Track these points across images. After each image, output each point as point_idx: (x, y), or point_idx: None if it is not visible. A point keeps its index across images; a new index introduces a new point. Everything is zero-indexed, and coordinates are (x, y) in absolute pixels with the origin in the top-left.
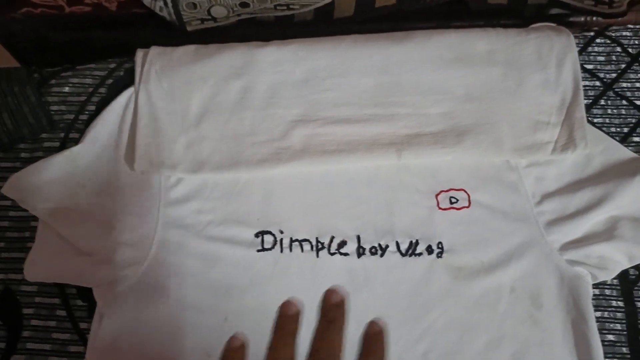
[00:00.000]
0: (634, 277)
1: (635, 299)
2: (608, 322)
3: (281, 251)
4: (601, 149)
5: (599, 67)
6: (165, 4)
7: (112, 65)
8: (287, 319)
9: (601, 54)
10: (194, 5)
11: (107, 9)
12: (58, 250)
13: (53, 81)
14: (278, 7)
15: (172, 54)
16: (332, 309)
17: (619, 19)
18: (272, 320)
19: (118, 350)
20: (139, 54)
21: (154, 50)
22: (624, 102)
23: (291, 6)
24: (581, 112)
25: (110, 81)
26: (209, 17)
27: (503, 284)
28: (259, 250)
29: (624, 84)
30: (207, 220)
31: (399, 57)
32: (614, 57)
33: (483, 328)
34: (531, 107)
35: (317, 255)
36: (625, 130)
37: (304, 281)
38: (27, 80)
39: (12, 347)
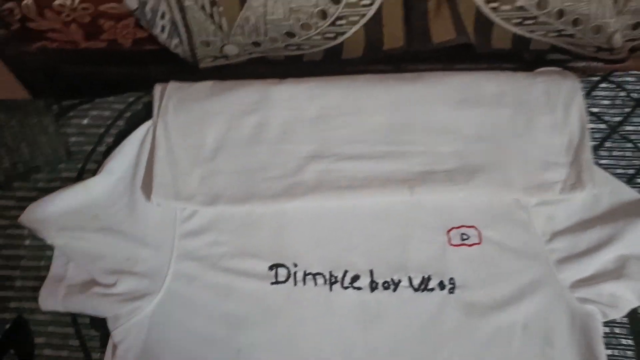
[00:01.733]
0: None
1: None
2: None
3: (294, 284)
4: (609, 190)
5: (604, 110)
6: (181, 41)
7: (131, 99)
8: None
9: (606, 98)
10: (208, 44)
11: (121, 45)
12: (73, 281)
13: (72, 113)
14: (289, 47)
15: (190, 89)
16: None
17: (620, 64)
18: (284, 354)
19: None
20: (157, 88)
21: (172, 85)
22: (629, 144)
23: (302, 46)
24: (588, 153)
25: (128, 114)
26: (222, 55)
27: (515, 321)
28: (272, 283)
29: (629, 127)
30: (221, 253)
31: (410, 96)
32: (618, 102)
33: None
34: (540, 148)
35: (330, 289)
36: (631, 172)
37: (317, 314)
38: (45, 111)
39: None
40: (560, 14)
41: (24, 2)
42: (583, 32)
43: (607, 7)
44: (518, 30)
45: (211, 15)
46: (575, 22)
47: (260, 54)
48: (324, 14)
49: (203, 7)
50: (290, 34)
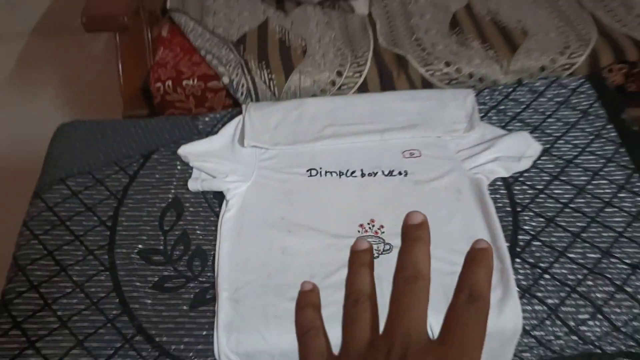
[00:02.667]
0: (509, 179)
1: (514, 192)
2: (497, 199)
3: (320, 176)
4: (490, 130)
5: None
6: (252, 101)
7: (232, 112)
8: (360, 253)
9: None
10: None
11: (215, 109)
12: (204, 177)
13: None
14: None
15: (260, 102)
16: (415, 228)
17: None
18: (317, 209)
19: (235, 223)
20: (245, 104)
21: (251, 103)
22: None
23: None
24: (476, 116)
25: (228, 116)
26: None
27: (441, 185)
28: (308, 176)
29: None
30: (281, 166)
31: (381, 98)
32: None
33: (433, 206)
34: (451, 116)
35: (340, 177)
36: (503, 124)
37: (333, 188)
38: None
39: None
40: (470, 75)
41: (167, 82)
42: (485, 85)
43: (496, 70)
44: (447, 87)
45: (269, 87)
46: (480, 80)
47: None
48: (333, 83)
49: (264, 81)
50: (314, 95)
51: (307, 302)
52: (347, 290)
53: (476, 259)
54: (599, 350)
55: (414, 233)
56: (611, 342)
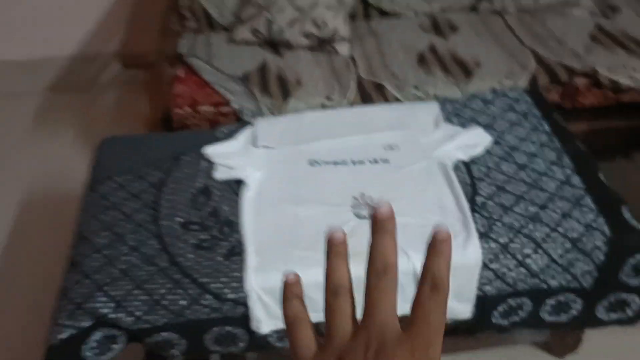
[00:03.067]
0: (469, 162)
1: (472, 169)
2: (460, 176)
3: (319, 165)
4: (452, 128)
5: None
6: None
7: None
8: (337, 246)
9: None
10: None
11: None
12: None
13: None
14: None
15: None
16: (383, 221)
17: None
18: (317, 186)
19: (254, 201)
20: (254, 119)
21: (260, 118)
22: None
23: None
24: (441, 119)
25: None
26: None
27: (417, 168)
28: (309, 165)
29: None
30: (286, 159)
31: (365, 110)
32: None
33: (410, 183)
34: (421, 120)
35: (335, 166)
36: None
37: (330, 172)
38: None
39: None
40: (435, 96)
41: (185, 108)
42: None
43: (455, 91)
44: None
45: (271, 110)
46: (443, 100)
47: None
48: (323, 105)
49: (267, 106)
50: None
51: (292, 294)
52: (327, 282)
53: (437, 250)
54: (545, 285)
55: (382, 226)
56: (552, 275)
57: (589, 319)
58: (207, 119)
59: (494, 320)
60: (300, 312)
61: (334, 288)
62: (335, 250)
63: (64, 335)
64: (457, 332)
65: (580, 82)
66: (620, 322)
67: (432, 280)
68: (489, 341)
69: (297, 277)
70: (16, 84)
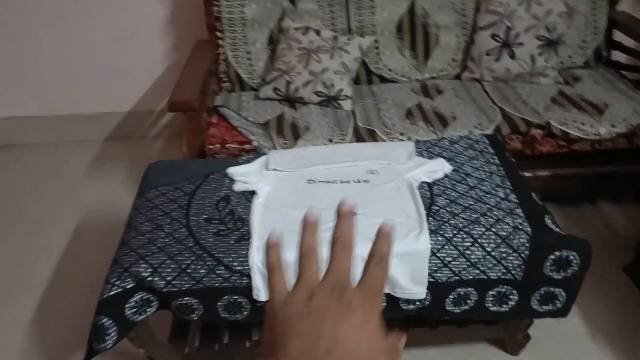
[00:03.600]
0: (431, 182)
1: (433, 188)
2: (422, 192)
3: (315, 183)
4: (421, 159)
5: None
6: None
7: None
8: (312, 224)
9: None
10: None
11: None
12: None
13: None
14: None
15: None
16: (346, 212)
17: None
18: (316, 203)
19: (262, 205)
20: (268, 150)
21: (272, 150)
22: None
23: None
24: (414, 153)
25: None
26: None
27: (390, 187)
28: (307, 183)
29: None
30: (291, 179)
31: (356, 145)
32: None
33: (383, 196)
34: (398, 154)
35: (327, 184)
36: (430, 158)
37: (324, 190)
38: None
39: None
40: (417, 141)
41: (216, 145)
42: None
43: (433, 138)
44: None
45: (284, 148)
46: None
47: None
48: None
49: (281, 145)
50: None
51: (275, 251)
52: (301, 246)
53: (382, 236)
54: (484, 276)
55: (345, 214)
56: (489, 267)
57: (525, 310)
58: (233, 154)
59: (447, 308)
60: (277, 262)
61: (305, 250)
62: (309, 224)
63: (112, 292)
64: (423, 324)
65: (536, 132)
66: (553, 314)
67: (377, 255)
68: (451, 336)
69: (279, 239)
70: (80, 133)
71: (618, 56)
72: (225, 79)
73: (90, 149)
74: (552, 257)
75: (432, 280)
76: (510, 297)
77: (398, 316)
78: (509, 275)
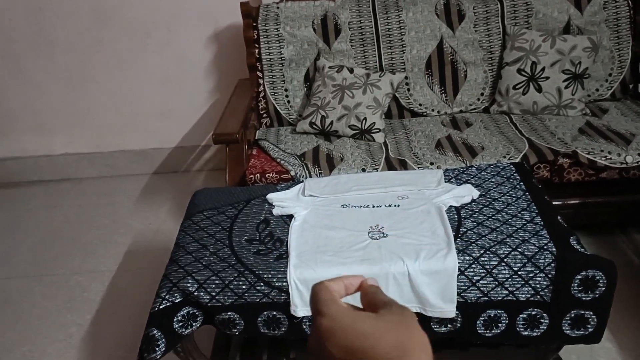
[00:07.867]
0: (459, 207)
1: (461, 212)
2: (450, 216)
3: (349, 208)
4: (449, 185)
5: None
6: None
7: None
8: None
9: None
10: None
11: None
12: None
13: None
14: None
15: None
16: (366, 286)
17: None
18: (347, 227)
19: (299, 228)
20: (304, 178)
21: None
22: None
23: None
24: (443, 179)
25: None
26: None
27: (420, 210)
28: (342, 207)
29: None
30: (325, 204)
31: (387, 173)
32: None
33: (412, 219)
34: (428, 179)
35: (360, 208)
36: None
37: (357, 214)
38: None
39: None
40: (446, 170)
41: (256, 175)
42: None
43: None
44: None
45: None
46: None
47: None
48: None
49: (317, 175)
50: None
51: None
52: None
53: (367, 283)
54: (513, 298)
55: (365, 288)
56: (518, 287)
57: (557, 335)
58: (272, 183)
59: (479, 331)
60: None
61: (368, 288)
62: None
63: (162, 305)
64: (454, 346)
65: (564, 161)
66: (585, 339)
67: (373, 289)
68: (482, 358)
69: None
70: (131, 167)
71: None
72: (265, 114)
73: (140, 182)
74: (579, 277)
75: (461, 300)
76: (542, 320)
77: (430, 338)
78: (538, 296)
